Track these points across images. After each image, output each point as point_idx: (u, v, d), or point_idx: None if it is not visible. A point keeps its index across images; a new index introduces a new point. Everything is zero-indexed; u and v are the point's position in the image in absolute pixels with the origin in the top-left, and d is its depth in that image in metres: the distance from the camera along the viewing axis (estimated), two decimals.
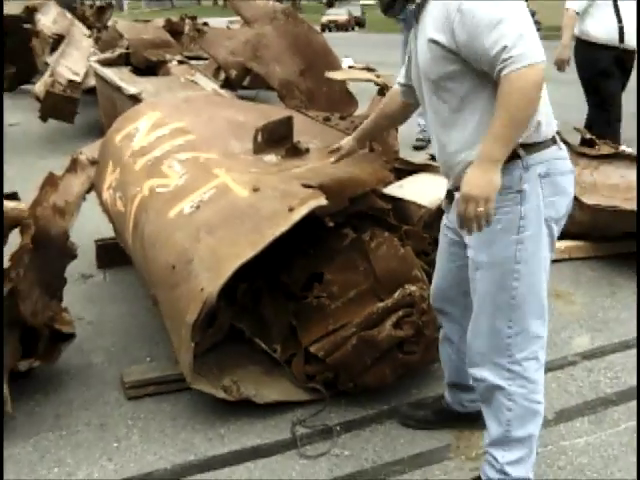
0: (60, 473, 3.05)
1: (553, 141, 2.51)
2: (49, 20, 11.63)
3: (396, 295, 3.29)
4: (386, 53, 11.80)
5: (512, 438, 2.64)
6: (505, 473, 2.66)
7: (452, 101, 2.47)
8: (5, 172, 7.68)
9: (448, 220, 2.82)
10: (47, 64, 9.74)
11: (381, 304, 3.29)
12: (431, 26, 2.42)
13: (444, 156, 2.62)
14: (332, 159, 3.37)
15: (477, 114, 2.44)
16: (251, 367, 3.51)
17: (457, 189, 2.54)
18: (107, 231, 4.79)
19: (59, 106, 8.45)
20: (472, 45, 2.30)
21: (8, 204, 3.17)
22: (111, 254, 4.92)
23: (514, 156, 2.40)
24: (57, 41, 10.83)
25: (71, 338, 3.54)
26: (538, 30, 2.37)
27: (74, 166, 3.33)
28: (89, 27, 12.07)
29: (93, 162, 3.34)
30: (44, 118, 8.68)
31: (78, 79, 8.68)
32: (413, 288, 3.29)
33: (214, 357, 3.51)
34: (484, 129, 2.37)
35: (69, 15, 11.91)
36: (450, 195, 2.72)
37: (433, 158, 3.42)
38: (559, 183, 2.49)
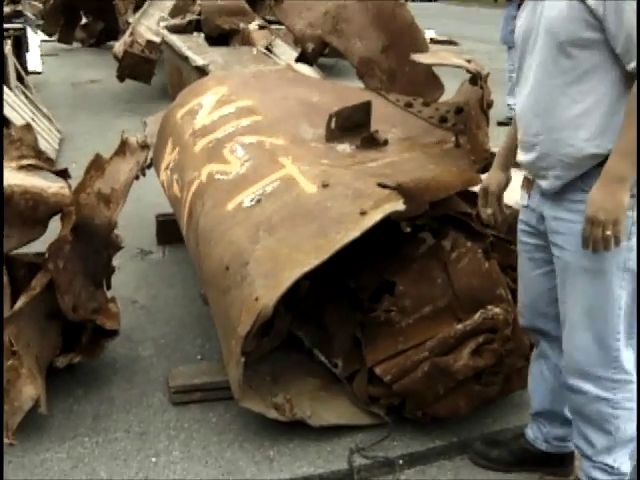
0: None
1: None
2: None
3: (477, 317, 2.69)
4: (465, 26, 11.05)
5: (620, 441, 2.35)
6: (621, 474, 2.39)
7: (572, 72, 2.12)
8: (80, 129, 7.34)
9: (526, 223, 2.42)
10: (129, 23, 9.29)
11: (459, 326, 2.70)
12: None
13: (537, 127, 2.21)
14: (488, 212, 2.59)
15: (593, 96, 2.10)
16: (308, 380, 2.99)
17: (536, 174, 2.27)
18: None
19: (136, 66, 8.02)
20: (620, 15, 1.97)
21: (50, 188, 2.66)
22: (173, 230, 4.39)
23: None
24: (143, 0, 10.37)
25: (115, 334, 3.05)
26: None
27: (123, 149, 2.80)
28: None
29: (144, 146, 2.81)
30: (121, 78, 8.25)
31: (157, 40, 8.18)
32: (497, 310, 2.69)
33: (268, 366, 3.00)
34: (597, 116, 2.09)
35: None
36: (529, 183, 2.35)
37: None
38: None
